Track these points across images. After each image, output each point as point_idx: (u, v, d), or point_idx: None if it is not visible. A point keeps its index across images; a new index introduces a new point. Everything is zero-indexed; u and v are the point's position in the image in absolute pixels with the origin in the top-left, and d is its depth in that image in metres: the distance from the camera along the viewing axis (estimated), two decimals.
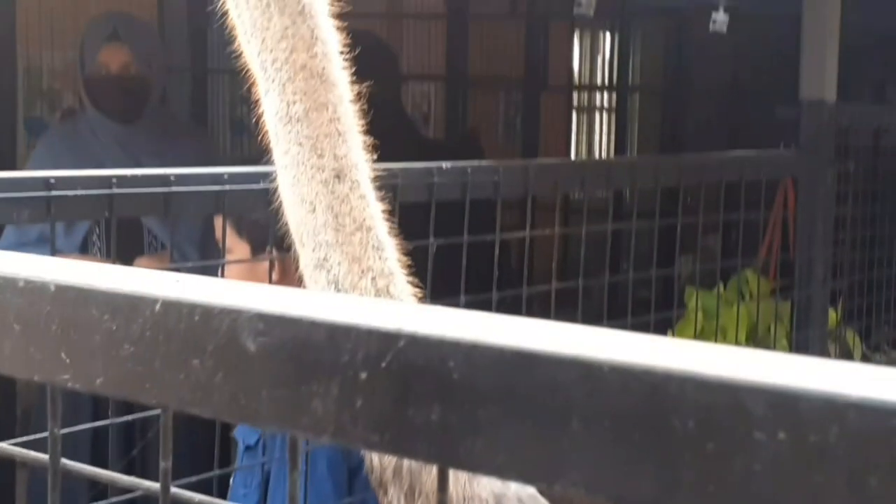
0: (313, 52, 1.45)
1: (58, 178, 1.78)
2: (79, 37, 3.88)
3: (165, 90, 4.48)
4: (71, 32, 5.15)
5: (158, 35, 5.19)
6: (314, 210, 1.42)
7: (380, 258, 1.45)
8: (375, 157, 1.50)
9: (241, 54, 1.50)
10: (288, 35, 1.43)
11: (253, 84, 1.49)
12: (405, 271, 1.48)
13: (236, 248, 2.29)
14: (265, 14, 1.44)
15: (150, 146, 3.52)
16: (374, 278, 1.43)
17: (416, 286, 1.49)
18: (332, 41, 1.47)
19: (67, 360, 0.65)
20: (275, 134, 1.47)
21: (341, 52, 1.48)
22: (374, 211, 1.46)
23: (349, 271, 1.42)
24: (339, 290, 1.41)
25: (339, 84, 1.47)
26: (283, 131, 1.45)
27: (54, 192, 1.75)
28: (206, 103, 6.68)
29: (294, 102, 1.45)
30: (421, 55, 7.12)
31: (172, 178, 1.92)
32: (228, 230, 2.16)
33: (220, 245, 2.13)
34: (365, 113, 1.50)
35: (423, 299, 1.52)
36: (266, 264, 2.12)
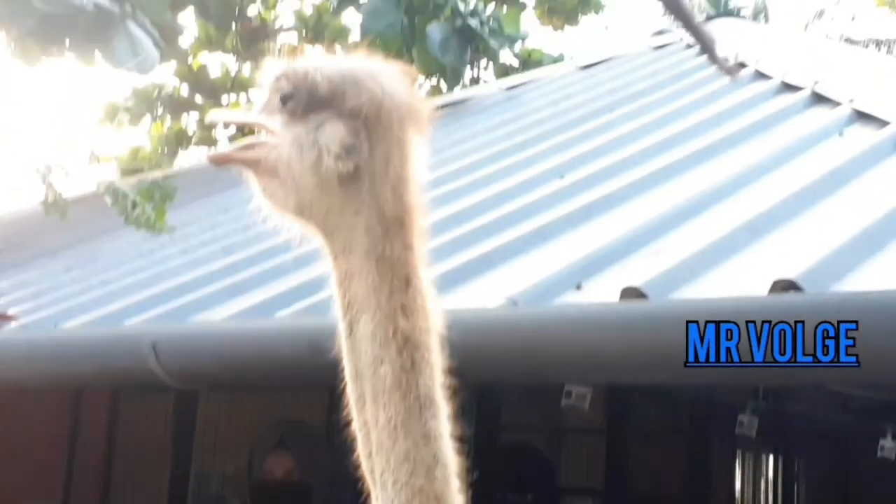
0: (433, 476, 1.49)
1: None
2: (249, 444, 4.04)
3: (330, 493, 4.55)
4: (243, 440, 5.36)
5: (325, 441, 5.34)
6: None
7: None
8: None
9: (359, 465, 1.55)
10: (410, 458, 1.48)
11: (369, 496, 1.53)
12: None
13: None
14: (391, 436, 1.50)
15: None
16: None
17: None
18: (451, 464, 1.51)
19: None
20: None
21: (459, 475, 1.51)
22: None
23: None
24: None
25: None
26: None
27: None
28: None
29: None
30: (580, 469, 7.09)
31: None
32: None
33: None
34: None
35: None
36: None
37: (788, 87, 6.09)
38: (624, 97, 6.89)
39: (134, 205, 5.34)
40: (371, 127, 1.59)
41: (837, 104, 5.40)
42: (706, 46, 1.44)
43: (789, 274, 2.88)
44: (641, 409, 6.67)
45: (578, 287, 3.52)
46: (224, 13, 10.53)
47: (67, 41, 7.30)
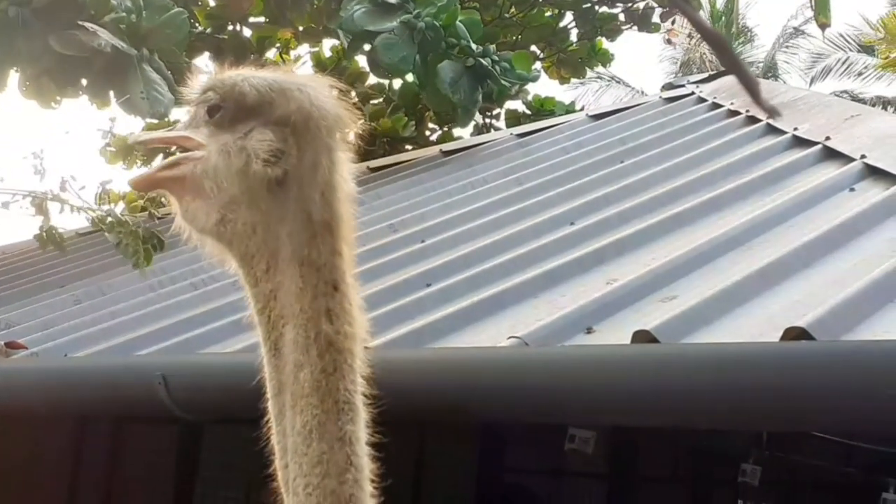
0: (345, 479, 1.49)
1: None
2: (250, 474, 4.03)
3: None
4: (244, 470, 5.34)
5: None
6: None
7: None
8: None
9: (274, 478, 1.56)
10: (324, 461, 1.49)
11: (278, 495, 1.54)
12: None
13: None
14: (306, 440, 1.50)
15: None
16: None
17: None
18: (365, 469, 1.52)
19: None
20: None
21: (373, 479, 1.53)
22: None
23: None
24: None
25: None
26: None
27: None
28: None
29: None
30: None
31: None
32: None
33: None
34: None
35: None
36: None
37: (800, 142, 6.12)
38: (635, 147, 6.94)
39: (130, 234, 5.36)
40: (299, 134, 1.60)
41: (849, 160, 5.43)
42: (751, 87, 1.47)
43: (800, 322, 2.89)
44: (645, 455, 6.65)
45: (589, 331, 3.54)
46: (239, 56, 10.63)
47: (83, 81, 7.36)
